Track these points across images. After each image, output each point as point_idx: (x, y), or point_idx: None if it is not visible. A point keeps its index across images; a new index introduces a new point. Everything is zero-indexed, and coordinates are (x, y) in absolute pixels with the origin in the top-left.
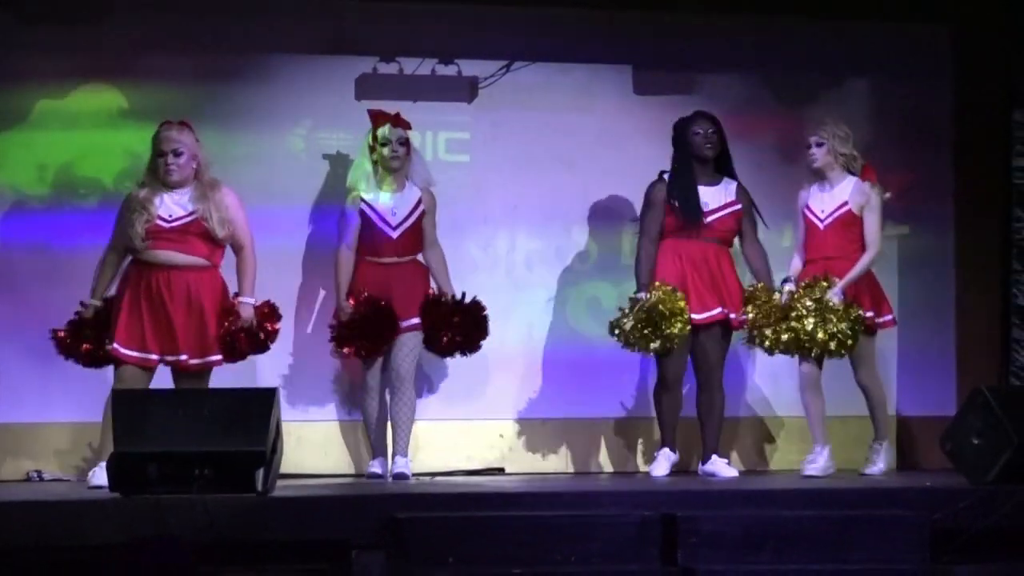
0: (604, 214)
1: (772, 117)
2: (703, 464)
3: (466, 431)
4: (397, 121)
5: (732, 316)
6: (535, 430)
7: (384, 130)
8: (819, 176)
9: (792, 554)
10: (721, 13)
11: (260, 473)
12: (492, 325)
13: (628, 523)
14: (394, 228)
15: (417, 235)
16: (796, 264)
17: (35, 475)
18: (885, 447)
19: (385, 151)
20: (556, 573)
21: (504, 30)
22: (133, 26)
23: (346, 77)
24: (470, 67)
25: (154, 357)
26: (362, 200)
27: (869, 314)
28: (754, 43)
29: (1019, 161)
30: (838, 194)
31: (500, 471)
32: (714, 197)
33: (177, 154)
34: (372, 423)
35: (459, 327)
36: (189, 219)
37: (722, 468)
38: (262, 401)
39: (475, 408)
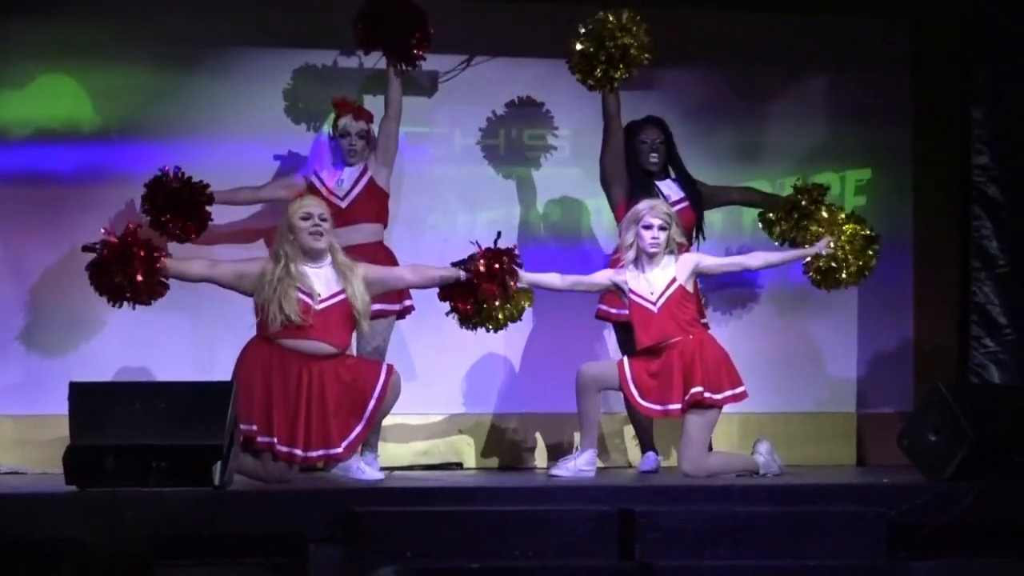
0: (563, 208)
1: (731, 113)
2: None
3: (424, 426)
4: (359, 113)
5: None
6: (493, 425)
7: (345, 121)
8: (640, 258)
9: (750, 549)
10: (680, 8)
11: (217, 467)
12: (451, 321)
13: (586, 518)
14: (342, 198)
15: (369, 205)
16: (556, 283)
17: None
18: (760, 450)
19: (344, 143)
20: (514, 568)
21: (464, 24)
22: (92, 17)
23: (305, 70)
24: (430, 61)
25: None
26: (314, 174)
27: (697, 389)
28: (713, 38)
29: (978, 159)
30: (664, 273)
31: (458, 466)
32: (668, 191)
33: (323, 219)
34: None
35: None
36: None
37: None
38: (219, 395)
39: (433, 403)
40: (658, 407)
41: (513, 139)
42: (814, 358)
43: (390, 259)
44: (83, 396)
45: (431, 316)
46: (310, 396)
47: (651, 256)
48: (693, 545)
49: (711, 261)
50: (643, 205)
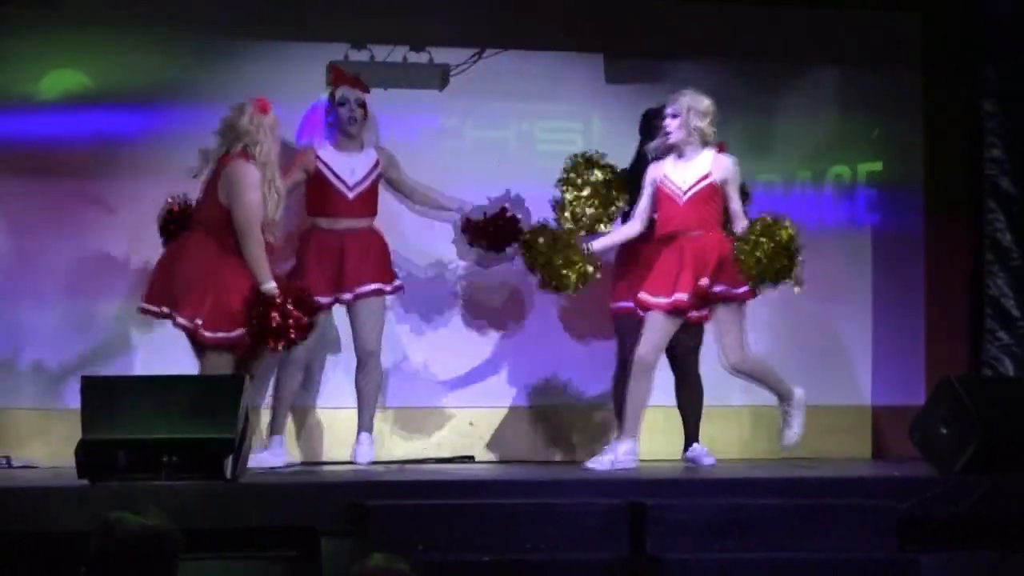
0: None
1: (741, 106)
2: (685, 451)
3: (436, 418)
4: (356, 83)
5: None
6: (505, 417)
7: (343, 91)
8: (674, 150)
9: (760, 542)
10: (691, 1)
11: (229, 460)
12: (462, 314)
13: (596, 511)
14: (351, 188)
15: (373, 198)
16: (633, 229)
17: (3, 461)
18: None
19: (343, 111)
20: (525, 560)
21: (476, 17)
22: (97, 9)
23: (317, 64)
24: (441, 54)
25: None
26: (316, 157)
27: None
28: (724, 31)
29: (991, 152)
30: (698, 167)
31: (470, 459)
32: (688, 174)
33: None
34: (285, 401)
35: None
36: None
37: (703, 456)
38: (231, 388)
39: (444, 396)
40: (665, 300)
41: (524, 132)
42: (828, 350)
43: (381, 242)
44: (95, 390)
45: (443, 309)
46: None
47: (671, 147)
48: (703, 538)
49: (731, 187)
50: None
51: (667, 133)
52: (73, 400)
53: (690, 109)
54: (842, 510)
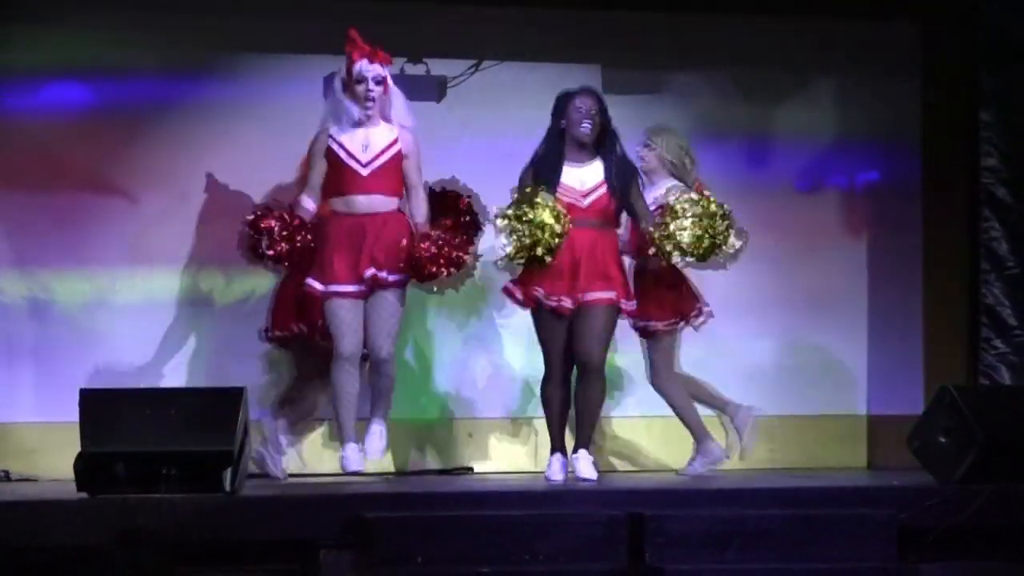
0: None
1: (740, 117)
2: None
3: (434, 430)
4: (375, 56)
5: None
6: (504, 429)
7: (360, 66)
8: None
9: (760, 553)
10: (690, 12)
11: (228, 473)
12: (462, 324)
13: (595, 522)
14: (364, 165)
15: (391, 176)
16: None
17: (2, 475)
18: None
19: (359, 89)
20: (524, 572)
21: (473, 29)
22: (103, 22)
23: (314, 76)
24: (439, 66)
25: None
26: (330, 137)
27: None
28: (723, 42)
29: (987, 161)
30: (655, 193)
31: (469, 470)
32: (587, 177)
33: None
34: (348, 402)
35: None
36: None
37: (583, 467)
38: (230, 401)
39: (444, 407)
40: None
41: (523, 143)
42: (824, 360)
43: (407, 230)
44: (94, 403)
45: (443, 320)
46: None
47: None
48: (703, 549)
49: None
50: None
51: (639, 160)
52: (72, 413)
53: (666, 146)
54: (842, 520)
